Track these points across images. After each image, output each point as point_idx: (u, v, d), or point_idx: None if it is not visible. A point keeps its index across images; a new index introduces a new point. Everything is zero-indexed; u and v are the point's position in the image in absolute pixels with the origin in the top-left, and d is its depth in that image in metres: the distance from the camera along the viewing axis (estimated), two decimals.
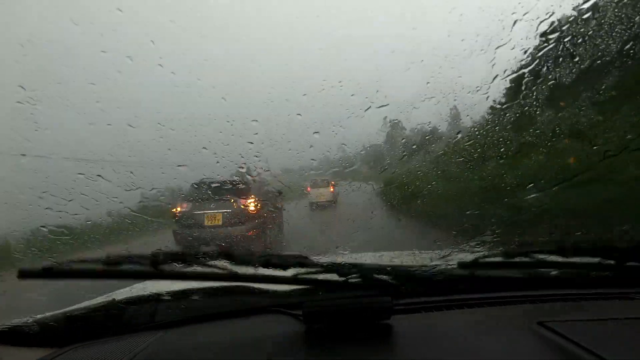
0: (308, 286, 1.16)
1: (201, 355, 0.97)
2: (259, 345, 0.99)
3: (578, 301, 1.18)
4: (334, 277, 1.27)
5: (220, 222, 6.83)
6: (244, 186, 6.94)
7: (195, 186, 6.83)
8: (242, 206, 6.90)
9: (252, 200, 7.08)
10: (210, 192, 6.61)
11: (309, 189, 12.93)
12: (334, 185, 12.22)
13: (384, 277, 1.15)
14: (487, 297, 1.19)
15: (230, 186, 6.84)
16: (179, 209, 6.90)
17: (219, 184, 6.69)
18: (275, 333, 1.04)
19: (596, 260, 1.43)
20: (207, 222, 6.81)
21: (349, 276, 1.08)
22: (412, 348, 0.95)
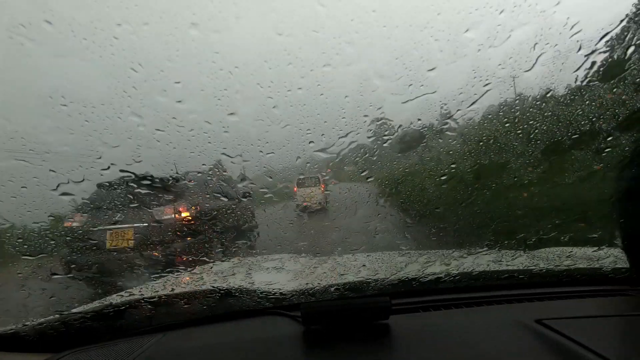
0: (306, 288, 1.16)
1: (199, 358, 0.96)
2: (257, 347, 0.98)
3: (575, 298, 1.19)
4: (332, 278, 1.27)
5: (130, 243, 4.54)
6: (174, 185, 4.53)
7: (103, 188, 4.12)
8: (166, 216, 4.61)
9: (186, 206, 4.74)
10: (122, 196, 4.08)
11: (295, 189, 11.89)
12: (325, 184, 11.48)
13: (382, 277, 1.15)
14: (485, 295, 1.19)
15: (157, 185, 4.03)
16: (70, 224, 4.31)
17: (138, 182, 3.55)
18: (273, 335, 1.04)
19: (592, 257, 1.44)
20: (109, 243, 4.47)
21: (347, 277, 1.08)
22: (410, 348, 0.95)
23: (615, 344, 0.89)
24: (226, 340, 1.04)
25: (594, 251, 1.58)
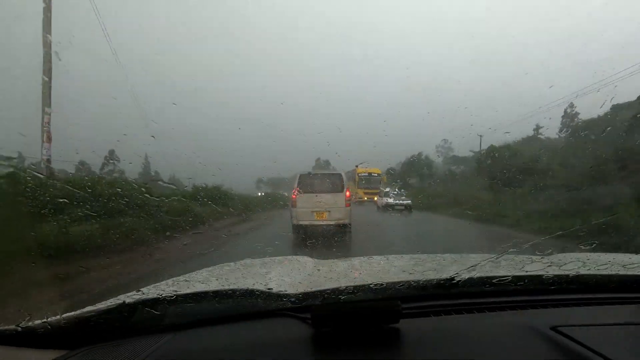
0: (316, 290, 1.16)
1: (210, 358, 0.97)
2: (267, 348, 0.98)
3: (592, 306, 1.15)
4: (342, 280, 1.26)
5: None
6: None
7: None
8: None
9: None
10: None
11: (294, 195, 8.37)
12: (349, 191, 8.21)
13: (393, 280, 1.14)
14: (498, 301, 1.16)
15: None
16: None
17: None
18: (283, 336, 1.04)
19: (610, 264, 1.39)
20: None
21: (357, 279, 1.07)
22: (421, 352, 0.93)
23: (635, 353, 0.85)
24: (235, 341, 1.04)
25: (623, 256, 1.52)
